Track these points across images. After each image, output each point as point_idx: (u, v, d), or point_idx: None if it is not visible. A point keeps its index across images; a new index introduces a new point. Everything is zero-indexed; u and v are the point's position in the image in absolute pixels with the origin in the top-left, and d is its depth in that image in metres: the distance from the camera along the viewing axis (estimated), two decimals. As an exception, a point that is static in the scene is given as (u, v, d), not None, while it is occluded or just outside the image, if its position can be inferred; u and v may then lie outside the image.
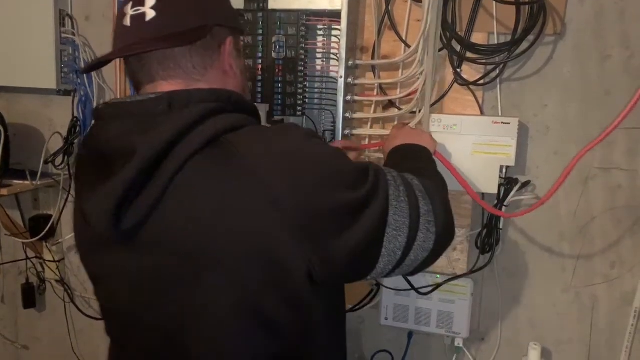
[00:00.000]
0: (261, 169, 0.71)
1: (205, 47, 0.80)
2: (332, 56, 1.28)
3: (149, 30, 0.76)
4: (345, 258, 0.74)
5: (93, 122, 0.82)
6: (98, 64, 0.91)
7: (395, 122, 1.34)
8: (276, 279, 0.72)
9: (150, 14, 0.76)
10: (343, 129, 1.26)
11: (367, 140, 1.35)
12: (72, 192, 1.63)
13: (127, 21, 0.77)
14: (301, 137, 0.78)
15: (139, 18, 0.76)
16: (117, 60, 1.49)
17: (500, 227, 1.31)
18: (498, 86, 1.30)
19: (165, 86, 0.78)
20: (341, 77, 1.25)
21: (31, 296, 1.74)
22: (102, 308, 0.90)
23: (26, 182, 1.54)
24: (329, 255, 0.73)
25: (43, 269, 1.72)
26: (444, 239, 0.82)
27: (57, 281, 1.70)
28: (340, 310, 0.91)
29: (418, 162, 1.02)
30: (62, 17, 1.55)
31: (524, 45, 1.24)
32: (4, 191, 1.47)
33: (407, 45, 1.32)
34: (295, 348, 0.79)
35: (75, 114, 1.59)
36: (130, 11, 0.77)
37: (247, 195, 0.70)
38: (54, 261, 1.67)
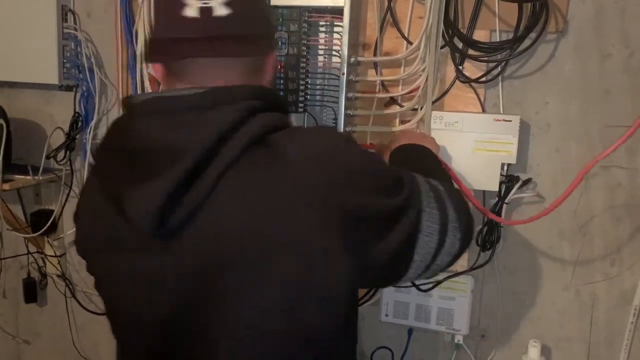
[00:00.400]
0: (307, 172, 0.70)
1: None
2: (334, 53, 1.28)
3: (219, 28, 0.73)
4: (381, 264, 0.74)
5: (123, 114, 0.76)
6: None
7: (397, 119, 1.34)
8: (315, 285, 0.71)
9: (220, 10, 0.72)
10: (344, 126, 1.27)
11: (367, 137, 1.35)
12: (74, 187, 1.64)
13: (193, 12, 0.72)
14: (343, 142, 0.78)
15: (207, 12, 0.72)
16: (120, 55, 1.51)
17: (501, 225, 1.31)
18: (500, 84, 1.31)
19: (208, 84, 0.74)
20: (343, 73, 1.25)
21: (32, 291, 1.74)
22: (114, 310, 0.83)
23: (28, 177, 1.54)
24: (367, 261, 0.73)
25: (44, 263, 1.72)
26: (466, 244, 0.84)
27: (58, 276, 1.70)
28: (357, 311, 0.91)
29: (427, 163, 1.04)
30: (65, 12, 1.55)
31: (526, 42, 1.24)
32: (6, 186, 1.47)
33: (409, 42, 1.32)
34: (326, 351, 0.78)
35: (77, 110, 1.59)
36: (195, 2, 0.72)
37: (291, 199, 0.69)
38: (56, 256, 1.68)
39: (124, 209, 0.69)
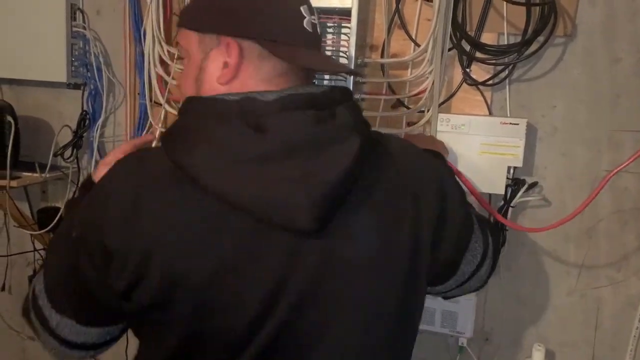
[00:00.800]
0: (415, 173, 0.79)
1: None
2: (341, 54, 1.28)
3: (320, 44, 0.80)
4: (437, 265, 0.83)
5: (218, 118, 0.68)
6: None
7: (404, 121, 1.34)
8: (416, 281, 0.78)
9: (318, 28, 0.79)
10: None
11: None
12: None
13: (309, 25, 0.76)
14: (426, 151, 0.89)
15: (315, 28, 0.77)
16: (128, 54, 1.51)
17: (507, 228, 1.31)
18: (507, 87, 1.30)
19: (300, 83, 0.77)
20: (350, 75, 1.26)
21: (38, 287, 1.75)
22: (212, 322, 0.70)
23: (35, 174, 1.54)
24: (432, 260, 0.81)
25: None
26: (493, 271, 0.93)
27: (63, 273, 1.71)
28: None
29: None
30: (73, 10, 1.56)
31: (534, 46, 1.24)
32: (14, 183, 1.48)
33: (417, 45, 1.32)
34: (412, 347, 0.85)
35: (85, 108, 1.60)
36: (308, 16, 0.76)
37: (406, 197, 0.76)
38: (61, 253, 1.68)
39: (268, 209, 0.65)
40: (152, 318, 0.71)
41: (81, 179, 1.64)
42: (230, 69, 0.73)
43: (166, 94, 1.45)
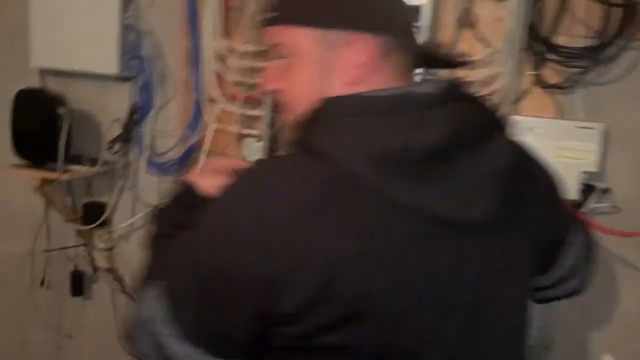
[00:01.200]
0: (530, 161, 0.82)
1: None
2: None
3: None
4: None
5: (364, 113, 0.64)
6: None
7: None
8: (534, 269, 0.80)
9: None
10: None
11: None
12: (127, 179, 1.61)
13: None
14: None
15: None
16: (181, 47, 1.47)
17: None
18: (580, 90, 1.27)
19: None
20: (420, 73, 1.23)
21: (80, 284, 1.71)
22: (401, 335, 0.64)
23: (85, 168, 1.51)
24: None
25: (93, 257, 1.69)
26: (590, 277, 0.95)
27: (107, 270, 1.67)
28: None
29: None
30: (126, 2, 1.53)
31: (610, 49, 1.21)
32: (66, 176, 1.44)
33: (487, 45, 1.29)
34: None
35: (135, 101, 1.56)
36: None
37: (540, 197, 0.79)
38: (106, 249, 1.65)
39: (443, 204, 0.62)
40: (326, 343, 0.62)
41: (130, 173, 1.60)
42: (365, 68, 0.67)
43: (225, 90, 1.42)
